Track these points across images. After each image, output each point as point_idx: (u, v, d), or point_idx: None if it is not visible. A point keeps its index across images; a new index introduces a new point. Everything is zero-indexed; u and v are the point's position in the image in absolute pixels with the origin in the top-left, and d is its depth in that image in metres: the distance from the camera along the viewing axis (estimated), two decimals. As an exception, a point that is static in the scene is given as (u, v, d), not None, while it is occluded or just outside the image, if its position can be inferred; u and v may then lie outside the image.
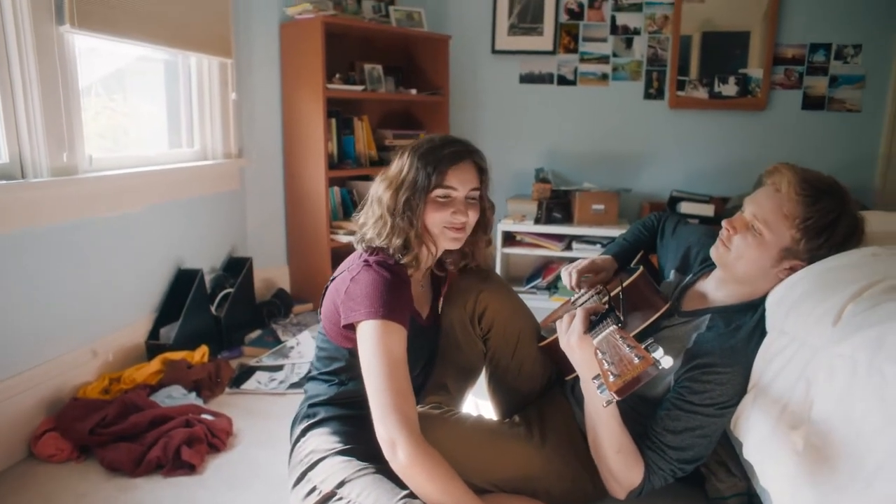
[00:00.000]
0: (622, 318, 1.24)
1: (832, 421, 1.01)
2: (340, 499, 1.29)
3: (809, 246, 1.34)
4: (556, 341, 1.50)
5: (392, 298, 1.34)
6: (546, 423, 1.54)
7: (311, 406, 1.51)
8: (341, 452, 1.39)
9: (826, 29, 3.51)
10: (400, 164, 1.45)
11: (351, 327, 1.37)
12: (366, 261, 1.41)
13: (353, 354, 1.43)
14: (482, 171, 1.50)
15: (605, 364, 1.02)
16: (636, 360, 0.96)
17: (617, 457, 1.34)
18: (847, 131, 3.58)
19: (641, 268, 1.52)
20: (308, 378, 1.59)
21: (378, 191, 1.46)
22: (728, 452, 1.62)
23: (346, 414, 1.48)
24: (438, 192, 1.42)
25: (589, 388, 1.31)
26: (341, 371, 1.50)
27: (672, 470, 1.34)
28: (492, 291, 1.59)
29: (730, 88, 3.62)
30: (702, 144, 3.71)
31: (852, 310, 1.09)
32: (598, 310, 1.31)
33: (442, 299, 1.65)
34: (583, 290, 1.71)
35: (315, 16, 2.99)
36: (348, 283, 1.39)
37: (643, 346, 1.00)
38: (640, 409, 1.44)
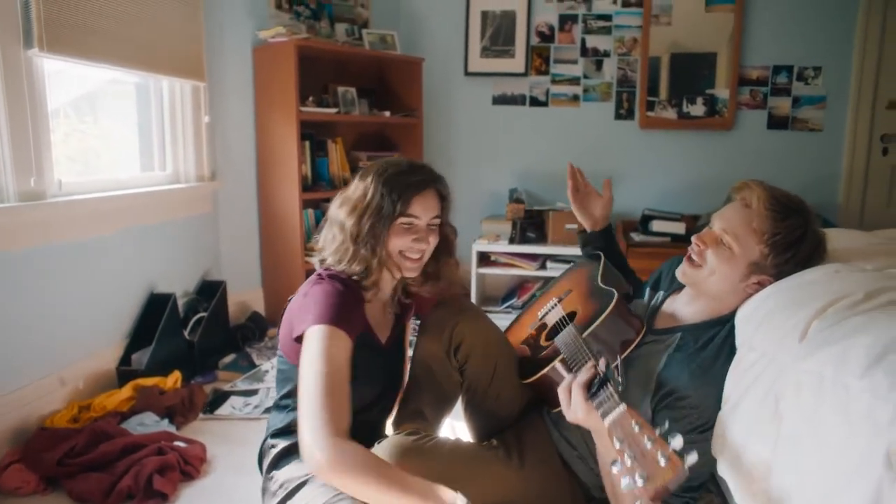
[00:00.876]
0: (621, 382, 1.21)
1: (801, 436, 1.03)
2: None
3: (777, 261, 1.37)
4: (541, 379, 1.50)
5: (341, 307, 1.32)
6: (524, 446, 1.53)
7: (274, 435, 1.47)
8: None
9: (788, 51, 3.63)
10: (363, 188, 1.43)
11: (300, 339, 1.33)
12: (319, 275, 1.42)
13: None
14: (444, 199, 1.51)
15: (627, 459, 0.96)
16: (662, 462, 0.91)
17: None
18: (810, 150, 3.69)
19: (615, 294, 1.51)
20: (274, 407, 1.55)
21: (339, 215, 1.44)
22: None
23: None
24: (402, 219, 1.41)
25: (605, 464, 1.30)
26: (294, 393, 1.44)
27: (680, 500, 1.34)
28: (467, 323, 1.57)
29: (698, 109, 3.71)
30: (672, 163, 3.78)
31: (817, 326, 1.11)
32: (582, 354, 1.30)
33: (410, 325, 1.64)
34: (551, 303, 1.72)
35: (288, 39, 3.00)
36: (302, 298, 1.39)
37: (663, 437, 0.95)
38: None
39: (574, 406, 1.22)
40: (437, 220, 1.48)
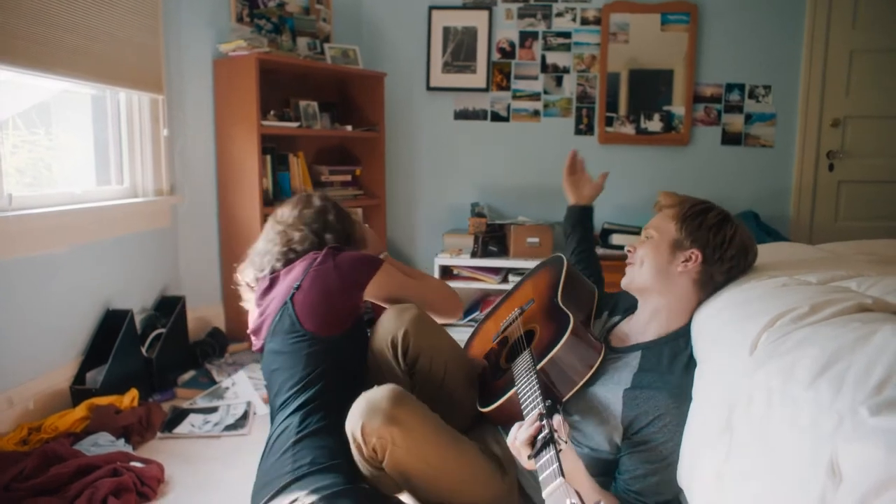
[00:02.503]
0: (566, 438, 1.20)
1: (751, 446, 1.06)
2: None
3: (689, 229, 1.50)
4: (497, 409, 1.49)
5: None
6: (489, 443, 1.56)
7: (294, 480, 1.40)
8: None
9: (739, 70, 3.76)
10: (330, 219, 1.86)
11: (357, 302, 1.66)
12: (326, 251, 1.70)
13: (344, 338, 1.62)
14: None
15: None
16: None
17: None
18: (762, 165, 3.81)
19: (571, 320, 1.49)
20: (275, 410, 1.59)
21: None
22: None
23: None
24: None
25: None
26: (313, 372, 1.56)
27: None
28: (414, 326, 1.62)
29: (655, 124, 3.81)
30: (631, 178, 3.86)
31: (766, 339, 1.15)
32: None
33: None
34: (513, 313, 1.74)
35: (249, 52, 2.99)
36: (332, 264, 1.66)
37: None
38: (600, 454, 1.45)
39: (522, 460, 1.24)
40: None
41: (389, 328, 1.63)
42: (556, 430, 1.15)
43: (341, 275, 1.63)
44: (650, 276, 1.51)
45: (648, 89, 3.81)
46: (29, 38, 2.09)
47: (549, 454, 1.10)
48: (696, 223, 1.51)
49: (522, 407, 1.32)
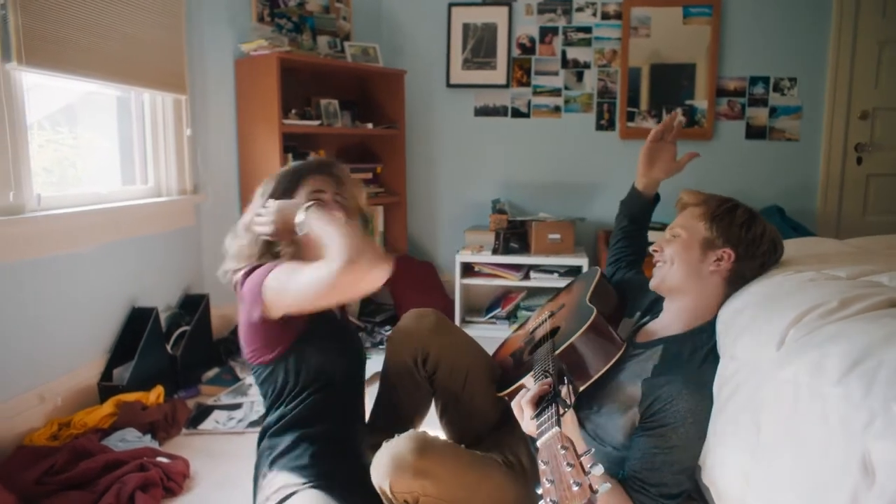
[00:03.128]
0: (569, 402, 1.21)
1: (779, 444, 1.04)
2: None
3: (721, 228, 1.48)
4: (512, 393, 1.50)
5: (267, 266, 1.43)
6: (522, 459, 1.55)
7: (272, 436, 1.49)
8: (315, 487, 1.39)
9: (764, 63, 3.70)
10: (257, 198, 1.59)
11: (265, 319, 1.39)
12: (245, 272, 1.48)
13: (284, 359, 1.46)
14: (342, 183, 1.60)
15: (546, 482, 0.97)
16: (574, 488, 0.92)
17: None
18: (788, 159, 3.75)
19: (594, 310, 1.52)
20: (264, 415, 1.57)
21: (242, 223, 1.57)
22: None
23: (312, 434, 1.47)
24: (311, 195, 1.52)
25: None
26: (283, 386, 1.49)
27: (661, 499, 1.33)
28: (434, 332, 1.61)
29: (677, 119, 3.76)
30: (652, 173, 3.81)
31: (794, 335, 1.13)
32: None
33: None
34: (543, 316, 1.74)
35: (270, 52, 3.01)
36: (242, 304, 1.45)
37: (584, 461, 0.96)
38: (619, 452, 1.44)
39: (524, 422, 1.24)
40: (340, 198, 1.57)
41: (408, 334, 1.62)
42: (560, 393, 1.16)
43: (243, 302, 1.45)
44: (681, 276, 1.50)
45: (670, 83, 3.76)
46: (55, 41, 2.12)
47: (550, 411, 1.12)
48: (726, 221, 1.50)
49: (536, 381, 1.32)
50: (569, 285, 1.93)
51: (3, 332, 1.97)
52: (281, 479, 1.42)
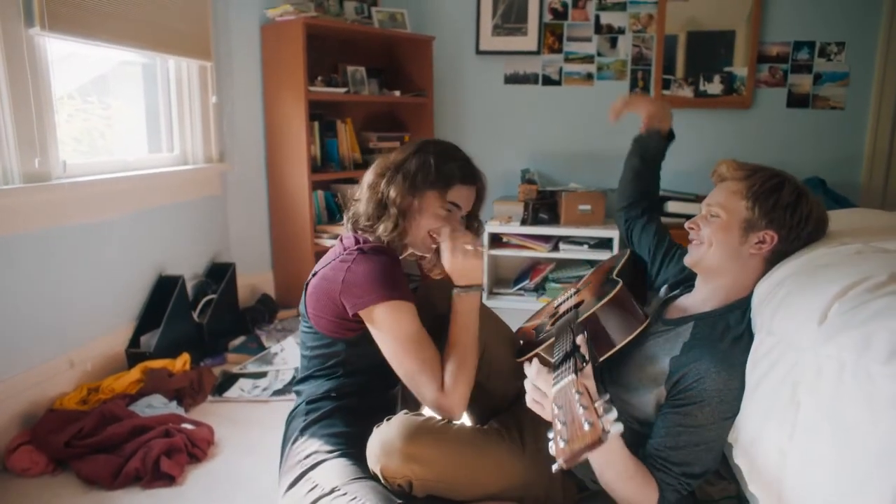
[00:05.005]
0: (587, 357, 1.18)
1: (819, 424, 0.99)
2: (344, 494, 1.28)
3: (765, 209, 1.38)
4: (531, 358, 1.48)
5: (395, 279, 1.38)
6: (523, 429, 1.51)
7: (309, 402, 1.48)
8: (345, 455, 1.38)
9: (809, 27, 3.52)
10: (406, 155, 1.48)
11: (357, 316, 1.39)
12: (360, 248, 1.42)
13: (352, 344, 1.44)
14: (480, 198, 1.58)
15: (559, 423, 0.95)
16: (586, 427, 0.90)
17: (629, 483, 1.28)
18: (832, 129, 3.59)
19: (620, 282, 1.48)
20: (303, 379, 1.55)
21: (383, 183, 1.46)
22: (717, 455, 1.59)
23: (347, 405, 1.47)
24: (447, 205, 1.46)
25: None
26: (340, 364, 1.48)
27: (680, 484, 1.29)
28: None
29: (715, 87, 3.62)
30: (688, 143, 3.68)
31: (838, 309, 1.06)
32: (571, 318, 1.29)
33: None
34: (569, 293, 1.70)
35: (296, 17, 2.95)
36: (345, 273, 1.39)
37: (598, 406, 0.94)
38: (645, 430, 1.40)
39: (538, 377, 1.21)
40: (473, 221, 1.57)
41: (421, 309, 1.55)
42: (580, 348, 1.15)
43: (346, 281, 1.39)
44: (720, 258, 1.43)
45: (708, 51, 3.61)
46: (78, 6, 2.10)
47: (568, 363, 1.11)
48: (771, 202, 1.39)
49: (555, 349, 1.30)
50: (598, 266, 1.89)
51: (33, 300, 1.99)
52: (313, 446, 1.41)
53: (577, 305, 1.57)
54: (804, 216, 1.39)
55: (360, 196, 1.51)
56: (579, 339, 1.19)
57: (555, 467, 0.92)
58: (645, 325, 1.44)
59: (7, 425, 1.88)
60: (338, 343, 1.46)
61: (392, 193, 1.44)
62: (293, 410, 1.54)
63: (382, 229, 1.44)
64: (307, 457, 1.39)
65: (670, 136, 1.87)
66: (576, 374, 1.04)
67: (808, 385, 1.03)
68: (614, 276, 1.57)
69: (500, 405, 1.61)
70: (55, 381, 2.07)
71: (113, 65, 2.61)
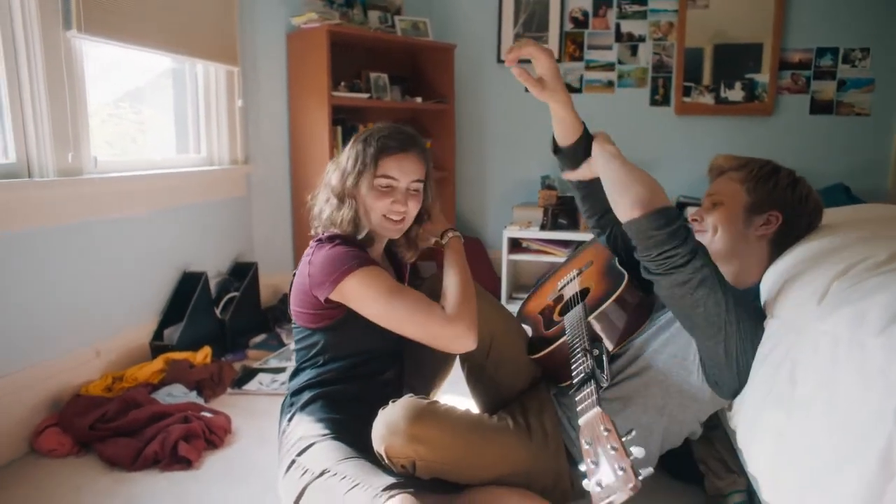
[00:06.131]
0: (606, 378, 1.21)
1: (815, 400, 0.99)
2: (334, 475, 1.30)
3: (765, 191, 1.44)
4: (546, 356, 1.51)
5: (353, 255, 1.40)
6: (531, 421, 1.52)
7: (294, 394, 1.52)
8: (332, 439, 1.40)
9: (833, 33, 3.50)
10: (347, 151, 1.51)
11: (331, 301, 1.40)
12: (318, 240, 1.48)
13: (331, 330, 1.47)
14: (425, 163, 1.53)
15: (590, 462, 0.99)
16: (619, 473, 0.94)
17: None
18: (857, 135, 3.55)
19: (626, 276, 1.49)
20: (293, 373, 1.59)
21: (329, 178, 1.52)
22: (726, 448, 1.59)
23: (330, 393, 1.49)
24: (380, 180, 1.45)
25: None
26: (320, 353, 1.51)
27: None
28: None
29: (736, 94, 3.61)
30: (708, 150, 3.67)
31: (837, 288, 1.07)
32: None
33: (406, 279, 1.71)
34: (571, 273, 1.71)
35: (320, 25, 3.04)
36: (308, 267, 1.43)
37: (625, 447, 0.97)
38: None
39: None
40: (419, 184, 1.51)
41: (431, 297, 1.57)
42: (597, 368, 1.15)
43: (310, 274, 1.44)
44: (726, 243, 1.46)
45: (735, 64, 3.58)
46: (113, 11, 2.20)
47: (588, 388, 1.12)
48: (770, 184, 1.46)
49: (570, 349, 1.32)
50: (592, 242, 1.87)
51: (63, 290, 2.07)
52: (300, 431, 1.44)
53: (582, 292, 1.58)
54: (804, 194, 1.46)
55: (320, 205, 1.54)
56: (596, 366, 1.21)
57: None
58: (650, 319, 1.47)
59: (36, 408, 1.95)
60: (317, 333, 1.50)
61: (334, 182, 1.48)
62: (283, 402, 1.58)
63: (337, 219, 1.47)
64: (295, 443, 1.42)
65: (585, 135, 1.53)
66: (599, 405, 1.06)
67: (805, 362, 1.04)
68: (618, 262, 1.58)
69: (509, 397, 1.61)
70: (82, 368, 2.14)
71: (149, 77, 2.73)
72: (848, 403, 0.90)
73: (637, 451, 0.93)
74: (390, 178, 1.46)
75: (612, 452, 0.94)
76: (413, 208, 1.50)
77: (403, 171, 1.47)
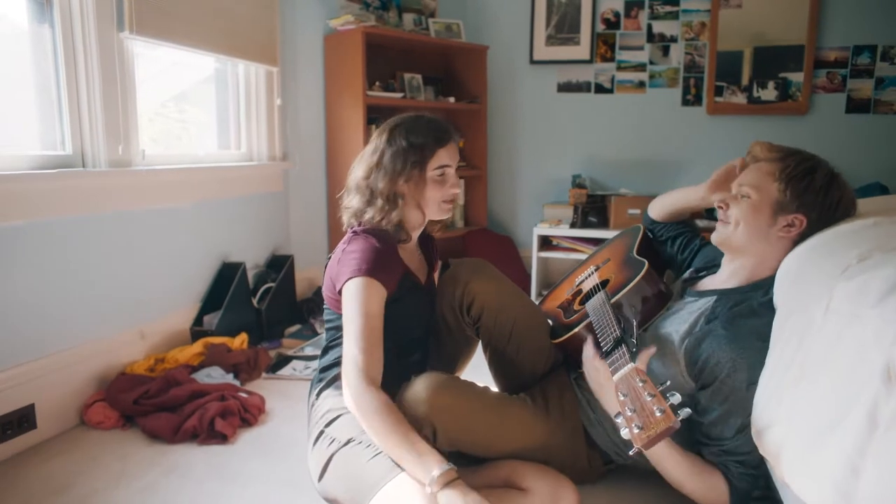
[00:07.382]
0: (636, 343, 1.26)
1: (819, 377, 1.02)
2: (359, 443, 1.38)
3: (796, 191, 1.39)
4: (568, 339, 1.56)
5: (377, 259, 1.44)
6: (549, 399, 1.57)
7: (323, 370, 1.60)
8: None
9: (870, 30, 3.46)
10: (388, 150, 1.51)
11: (341, 292, 1.46)
12: (354, 231, 1.52)
13: None
14: (458, 150, 1.61)
15: (628, 410, 1.03)
16: (658, 414, 0.98)
17: (694, 480, 1.33)
18: (894, 134, 3.49)
19: (646, 263, 1.54)
20: (322, 352, 1.66)
21: (370, 175, 1.52)
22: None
23: None
24: (436, 171, 1.51)
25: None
26: (337, 337, 1.57)
27: (744, 471, 1.32)
28: (480, 282, 1.60)
29: (769, 93, 3.60)
30: (740, 150, 3.61)
31: (848, 273, 1.10)
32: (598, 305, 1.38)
33: (438, 264, 1.76)
34: (589, 270, 1.76)
35: (356, 27, 3.15)
36: (341, 254, 1.50)
37: (662, 393, 1.01)
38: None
39: (590, 368, 1.31)
40: (459, 166, 1.59)
41: (452, 279, 1.63)
42: (627, 333, 1.21)
43: (339, 261, 1.49)
44: (746, 239, 1.45)
45: (776, 66, 3.56)
46: (162, 13, 2.34)
47: (620, 351, 1.19)
48: (803, 185, 1.40)
49: (596, 328, 1.39)
50: (609, 241, 1.93)
51: (112, 275, 2.20)
52: (328, 404, 1.51)
53: (602, 283, 1.63)
54: (835, 201, 1.40)
55: (351, 199, 1.57)
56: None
57: (632, 452, 1.01)
58: (667, 306, 1.51)
59: (85, 384, 2.08)
60: (341, 317, 1.53)
61: (381, 186, 1.49)
62: (312, 380, 1.65)
63: (384, 221, 1.51)
64: (323, 415, 1.50)
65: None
66: (633, 361, 1.12)
67: (811, 343, 1.07)
68: (634, 253, 1.63)
69: (529, 382, 1.67)
70: (127, 349, 2.27)
71: (193, 81, 2.87)
72: (847, 372, 0.93)
73: (674, 398, 0.98)
74: (446, 166, 1.52)
75: (649, 399, 1.00)
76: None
77: (452, 156, 1.55)
